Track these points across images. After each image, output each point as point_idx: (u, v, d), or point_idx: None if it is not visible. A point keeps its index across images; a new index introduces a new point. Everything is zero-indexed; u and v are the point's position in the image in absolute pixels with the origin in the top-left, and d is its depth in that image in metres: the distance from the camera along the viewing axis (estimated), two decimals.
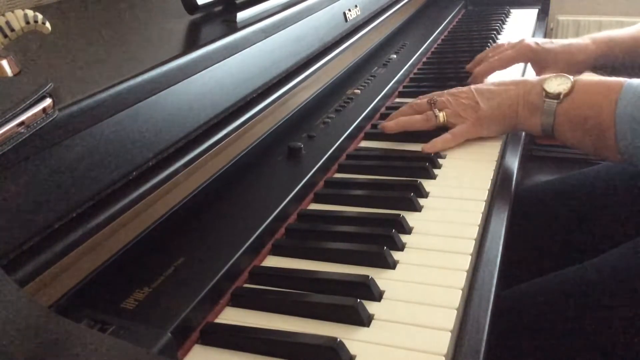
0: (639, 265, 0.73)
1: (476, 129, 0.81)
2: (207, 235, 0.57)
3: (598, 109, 0.70)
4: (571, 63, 0.98)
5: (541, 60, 1.00)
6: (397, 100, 1.01)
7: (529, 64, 1.05)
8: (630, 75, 1.01)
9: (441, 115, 0.82)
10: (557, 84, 0.74)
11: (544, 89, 0.75)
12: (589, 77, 0.75)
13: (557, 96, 0.74)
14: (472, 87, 0.84)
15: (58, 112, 0.44)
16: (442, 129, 0.82)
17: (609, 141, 0.70)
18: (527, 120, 0.77)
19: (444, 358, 0.45)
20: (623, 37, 1.00)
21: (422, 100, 0.85)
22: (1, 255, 0.39)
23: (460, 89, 0.85)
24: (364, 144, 0.85)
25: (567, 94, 0.73)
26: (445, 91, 0.86)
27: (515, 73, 1.07)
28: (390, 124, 0.84)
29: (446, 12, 1.51)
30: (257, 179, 0.68)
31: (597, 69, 1.03)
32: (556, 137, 0.76)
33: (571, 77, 0.74)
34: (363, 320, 0.49)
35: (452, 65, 1.14)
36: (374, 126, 0.89)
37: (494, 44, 1.08)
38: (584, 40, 1.01)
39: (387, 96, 0.97)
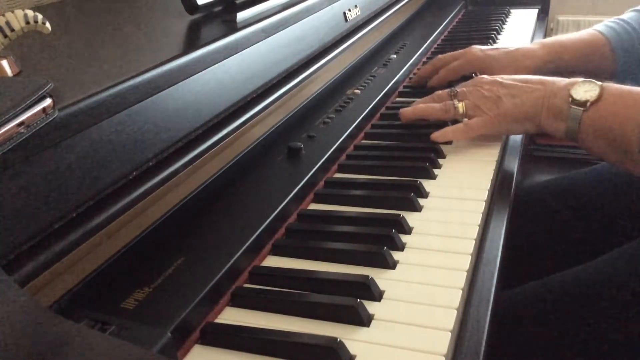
0: (638, 266, 0.73)
1: (494, 125, 0.78)
2: (207, 235, 0.57)
3: (623, 121, 0.69)
4: (518, 68, 0.95)
5: (487, 68, 0.97)
6: (397, 100, 1.01)
7: None
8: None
9: (460, 106, 0.79)
10: (585, 90, 0.72)
11: (570, 95, 0.73)
12: (617, 85, 0.73)
13: (583, 104, 0.71)
14: (498, 78, 0.81)
15: (58, 112, 0.44)
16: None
17: (632, 154, 0.68)
18: (550, 123, 0.75)
19: (444, 358, 0.45)
20: (573, 41, 0.99)
21: (443, 91, 0.83)
22: (1, 255, 0.39)
23: (483, 78, 0.82)
24: (364, 144, 0.85)
25: (593, 102, 0.71)
26: (470, 80, 0.84)
27: None
28: (408, 111, 0.83)
29: (446, 12, 1.51)
30: (257, 179, 0.68)
31: (546, 74, 1.01)
32: (579, 144, 0.74)
33: (599, 84, 0.72)
34: (363, 320, 0.49)
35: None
36: (374, 126, 0.89)
37: (437, 56, 1.05)
38: (534, 45, 1.00)
39: (387, 96, 0.97)
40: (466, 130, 0.78)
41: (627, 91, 0.71)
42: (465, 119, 0.79)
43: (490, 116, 0.78)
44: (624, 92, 0.71)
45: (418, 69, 1.15)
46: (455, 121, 0.81)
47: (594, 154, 0.75)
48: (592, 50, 0.99)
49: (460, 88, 0.82)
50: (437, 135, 0.78)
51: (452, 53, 1.02)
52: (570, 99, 0.73)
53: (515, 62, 0.97)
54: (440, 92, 0.84)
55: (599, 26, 1.01)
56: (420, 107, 0.83)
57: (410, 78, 1.10)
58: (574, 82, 0.74)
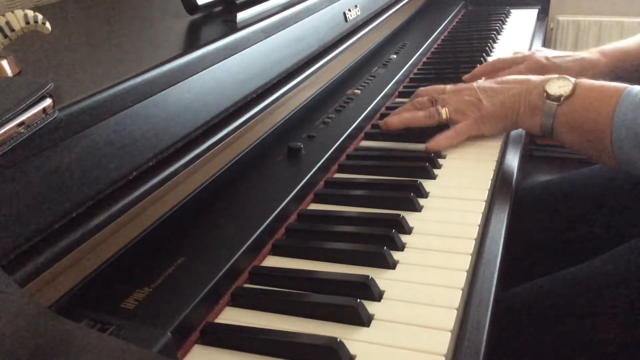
0: (638, 265, 0.73)
1: (478, 126, 0.81)
2: (207, 235, 0.57)
3: (596, 114, 0.70)
4: (585, 77, 0.94)
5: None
6: (397, 100, 1.01)
7: None
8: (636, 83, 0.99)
9: (444, 112, 0.81)
10: (559, 85, 0.74)
11: (545, 90, 0.75)
12: (590, 80, 0.74)
13: (557, 98, 0.74)
14: (474, 84, 0.84)
15: (58, 112, 0.44)
16: (445, 125, 0.82)
17: (605, 146, 0.70)
18: (527, 119, 0.78)
19: (444, 358, 0.45)
20: (632, 47, 0.98)
21: (424, 98, 0.85)
22: (1, 255, 0.39)
23: (462, 85, 0.85)
24: (364, 144, 0.85)
25: (567, 97, 0.73)
26: (447, 87, 0.86)
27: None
28: (394, 120, 0.84)
29: (446, 12, 1.51)
30: (257, 179, 0.68)
31: (609, 80, 1.00)
32: (555, 138, 0.76)
33: (572, 80, 0.74)
34: (363, 320, 0.49)
35: (452, 66, 1.14)
36: (374, 126, 0.89)
37: (500, 57, 1.02)
38: (593, 54, 0.97)
39: (387, 96, 0.97)
40: (456, 136, 0.81)
41: (600, 85, 0.73)
42: (454, 126, 0.81)
43: (473, 118, 0.81)
44: (597, 87, 0.73)
45: (418, 69, 1.15)
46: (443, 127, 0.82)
47: (570, 148, 0.76)
48: None
49: (440, 95, 0.84)
50: (431, 145, 0.80)
51: (512, 57, 1.00)
52: (545, 94, 0.75)
53: (583, 71, 0.95)
54: (420, 99, 0.85)
55: None
56: (404, 117, 0.84)
57: (409, 79, 1.10)
58: (548, 78, 0.77)
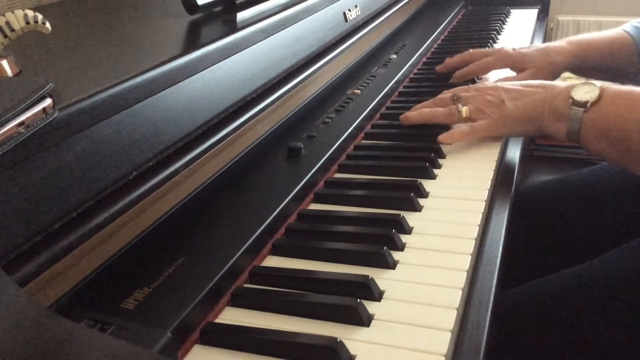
0: (638, 265, 0.73)
1: (498, 128, 0.79)
2: (207, 235, 0.57)
3: (624, 120, 0.69)
4: (549, 64, 0.98)
5: (519, 64, 1.00)
6: (398, 99, 1.01)
7: None
8: (606, 77, 1.02)
9: (464, 110, 0.81)
10: (585, 92, 0.73)
11: (571, 96, 0.74)
12: (617, 86, 0.74)
13: (584, 104, 0.72)
14: (499, 83, 0.83)
15: (58, 112, 0.44)
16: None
17: (633, 153, 0.69)
18: (552, 125, 0.76)
19: (444, 358, 0.45)
20: (600, 39, 1.01)
21: (446, 95, 0.85)
22: (1, 255, 0.39)
23: (486, 84, 0.85)
24: (364, 143, 0.85)
25: (594, 103, 0.72)
26: (471, 85, 0.86)
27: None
28: (414, 114, 0.84)
29: (446, 12, 1.51)
30: (257, 179, 0.68)
31: (572, 70, 1.04)
32: (581, 145, 0.75)
33: (598, 85, 0.73)
34: (363, 320, 0.49)
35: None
36: (374, 126, 0.89)
37: (470, 50, 1.07)
38: (559, 42, 1.02)
39: (387, 96, 0.97)
40: (471, 132, 0.80)
41: (627, 91, 0.72)
42: (472, 123, 0.81)
43: (494, 119, 0.79)
44: (624, 93, 0.72)
45: (418, 69, 1.15)
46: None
47: (595, 155, 0.75)
48: (617, 49, 1.00)
49: (462, 93, 0.83)
50: (444, 137, 0.79)
51: (483, 50, 1.06)
52: (571, 101, 0.74)
53: (548, 57, 0.99)
54: (442, 96, 0.85)
55: (626, 26, 1.03)
56: (425, 112, 0.84)
57: (409, 79, 1.10)
58: (574, 84, 0.75)
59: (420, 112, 0.84)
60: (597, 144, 0.73)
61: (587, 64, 1.00)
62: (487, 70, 1.03)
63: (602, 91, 0.72)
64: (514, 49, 1.02)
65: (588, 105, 0.72)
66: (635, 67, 1.01)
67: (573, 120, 0.73)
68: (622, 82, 0.99)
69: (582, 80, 0.76)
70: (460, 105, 0.81)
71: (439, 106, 0.84)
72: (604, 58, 1.00)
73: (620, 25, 1.04)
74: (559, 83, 0.79)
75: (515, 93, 0.80)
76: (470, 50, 1.06)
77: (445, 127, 0.82)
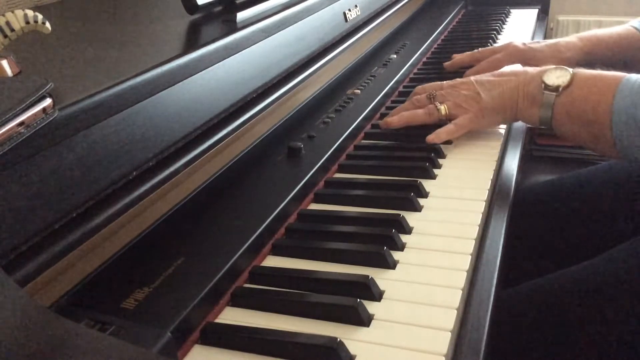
0: (638, 265, 0.73)
1: (478, 120, 0.81)
2: (207, 235, 0.57)
3: (595, 103, 0.70)
4: (560, 60, 0.99)
5: (529, 59, 1.01)
6: (398, 99, 1.01)
7: None
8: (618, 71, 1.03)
9: (442, 108, 0.82)
10: (556, 76, 0.74)
11: (543, 81, 0.75)
12: (588, 70, 0.75)
13: (555, 89, 0.74)
14: (472, 78, 0.84)
15: (58, 112, 0.44)
16: (445, 122, 0.82)
17: (605, 136, 0.70)
18: (526, 111, 0.78)
19: (444, 358, 0.45)
20: (609, 35, 1.02)
21: (422, 95, 0.86)
22: (1, 255, 0.39)
23: (459, 80, 0.86)
24: (364, 143, 0.85)
25: (565, 87, 0.73)
26: (444, 82, 0.86)
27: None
28: (394, 119, 0.84)
29: (446, 12, 1.51)
30: (257, 179, 0.68)
31: (583, 66, 1.04)
32: (554, 129, 0.76)
33: (570, 70, 0.74)
34: (363, 320, 0.49)
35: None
36: (374, 126, 0.89)
37: (480, 48, 1.09)
38: (570, 38, 1.03)
39: (387, 96, 0.97)
40: (456, 130, 0.81)
41: (598, 74, 0.73)
42: (454, 121, 0.81)
43: (473, 112, 0.81)
44: (595, 76, 0.73)
45: (418, 69, 1.15)
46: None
47: (568, 139, 0.76)
48: (626, 44, 1.01)
49: (437, 91, 0.84)
50: (432, 138, 0.80)
51: (491, 47, 1.08)
52: (543, 85, 0.75)
53: (559, 53, 1.00)
54: (418, 97, 0.86)
55: (634, 22, 1.04)
56: (405, 115, 0.85)
57: (409, 79, 1.10)
58: (546, 69, 0.77)
59: (400, 116, 0.84)
60: (569, 127, 0.74)
61: (597, 60, 1.01)
62: (498, 67, 1.03)
63: (573, 75, 0.73)
64: (524, 44, 1.03)
65: (560, 89, 0.73)
66: None
67: (545, 105, 0.74)
68: None
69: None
70: (438, 104, 0.82)
71: (417, 107, 0.85)
72: (613, 54, 1.01)
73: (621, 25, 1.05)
74: (531, 69, 0.81)
75: (489, 84, 0.81)
76: (479, 49, 1.08)
77: (429, 127, 0.82)
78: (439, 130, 0.80)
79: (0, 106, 0.40)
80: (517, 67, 0.84)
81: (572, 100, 0.73)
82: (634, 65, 1.02)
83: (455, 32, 1.43)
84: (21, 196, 0.41)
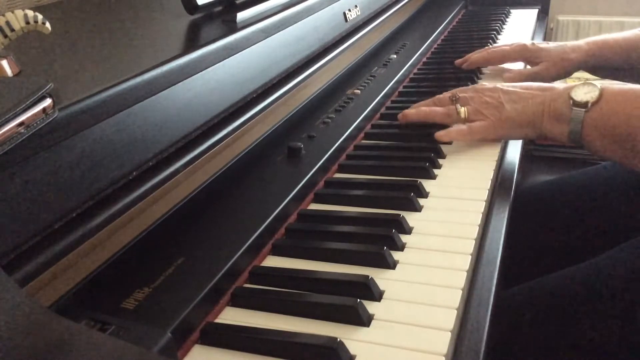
0: (638, 265, 0.73)
1: (496, 130, 0.79)
2: (207, 235, 0.57)
3: (627, 118, 0.69)
4: (564, 60, 1.01)
5: (535, 58, 1.03)
6: (398, 99, 1.01)
7: None
8: (622, 77, 1.04)
9: (462, 111, 0.81)
10: (585, 92, 0.73)
11: (571, 97, 0.73)
12: (617, 85, 0.74)
13: (584, 105, 0.72)
14: (499, 85, 0.83)
15: (58, 112, 0.44)
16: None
17: (638, 149, 0.69)
18: (553, 128, 0.76)
19: (444, 358, 0.45)
20: (616, 39, 1.02)
21: (445, 95, 0.85)
22: (1, 255, 0.39)
23: (485, 85, 0.84)
24: (364, 143, 0.85)
25: (595, 103, 0.72)
26: (470, 86, 0.86)
27: (517, 65, 1.11)
28: (412, 112, 0.84)
29: (446, 12, 1.51)
30: (257, 179, 0.68)
31: (589, 69, 1.06)
32: (585, 146, 0.74)
33: (598, 85, 0.72)
34: (363, 320, 0.49)
35: (452, 66, 1.14)
36: (374, 126, 0.89)
37: (492, 46, 1.13)
38: (579, 42, 1.04)
39: (387, 96, 0.97)
40: (469, 133, 0.80)
41: (629, 89, 0.72)
42: (470, 124, 0.81)
43: (492, 121, 0.79)
44: (626, 91, 0.72)
45: (418, 69, 1.15)
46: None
47: (599, 155, 0.75)
48: (633, 48, 1.01)
49: (461, 93, 0.83)
50: (441, 134, 0.79)
51: (502, 45, 1.11)
52: (571, 102, 0.73)
53: (564, 53, 1.01)
54: (441, 96, 0.85)
55: None
56: (423, 110, 0.84)
57: (409, 79, 1.10)
58: (573, 85, 0.75)
59: (418, 111, 0.84)
60: (600, 143, 0.72)
61: (604, 63, 1.02)
62: (502, 59, 1.06)
63: (602, 90, 0.72)
64: (532, 43, 1.05)
65: (589, 105, 0.72)
66: None
67: (575, 121, 0.73)
68: (638, 82, 1.00)
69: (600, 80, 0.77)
70: (458, 106, 0.81)
71: (437, 106, 0.84)
72: (620, 58, 1.01)
73: (620, 25, 1.06)
74: (558, 85, 0.79)
75: (515, 95, 0.80)
76: (493, 46, 1.11)
77: (445, 127, 0.82)
78: (450, 129, 0.80)
79: (0, 106, 0.40)
80: (542, 84, 0.82)
81: (602, 115, 0.71)
82: (638, 69, 1.02)
83: (455, 32, 1.43)
84: (21, 196, 0.41)
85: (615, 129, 0.70)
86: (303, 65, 0.84)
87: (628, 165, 0.74)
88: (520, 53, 1.05)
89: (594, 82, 0.74)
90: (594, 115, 0.72)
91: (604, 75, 1.07)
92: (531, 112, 0.77)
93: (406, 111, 0.85)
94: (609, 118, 0.71)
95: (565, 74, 1.03)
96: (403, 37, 1.29)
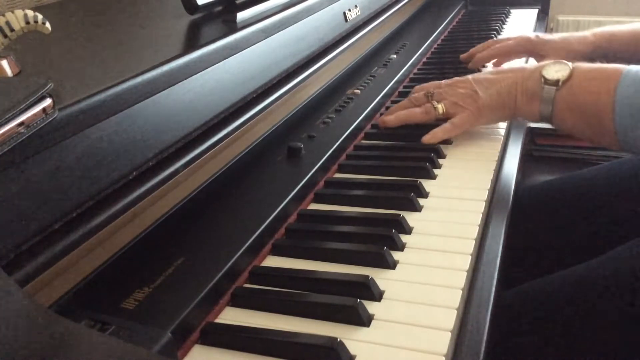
0: (638, 266, 0.73)
1: (476, 118, 0.81)
2: (207, 235, 0.57)
3: (597, 96, 0.70)
4: (569, 52, 1.00)
5: (540, 50, 1.02)
6: (398, 99, 1.01)
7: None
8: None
9: (440, 107, 0.82)
10: (556, 70, 0.74)
11: (542, 76, 0.75)
12: (587, 63, 0.74)
13: (555, 83, 0.73)
14: (470, 76, 0.84)
15: (58, 112, 0.44)
16: (443, 120, 0.82)
17: (607, 128, 0.70)
18: (525, 107, 0.77)
19: (444, 358, 0.45)
20: (623, 32, 1.02)
21: (419, 93, 0.86)
22: (1, 255, 0.39)
23: (457, 78, 0.85)
24: (364, 143, 0.85)
25: (565, 81, 0.73)
26: (443, 81, 0.86)
27: (519, 62, 1.10)
28: (390, 118, 0.84)
29: (446, 12, 1.51)
30: (257, 179, 0.68)
31: (593, 60, 1.05)
32: (555, 124, 0.76)
33: (570, 64, 0.74)
34: (363, 320, 0.49)
35: (452, 66, 1.14)
36: (374, 126, 0.89)
37: (495, 39, 1.12)
38: (584, 33, 1.03)
39: (387, 96, 0.97)
40: (452, 128, 0.81)
41: (598, 67, 0.73)
42: (451, 119, 0.82)
43: (470, 110, 0.80)
44: (595, 68, 0.73)
45: (418, 69, 1.15)
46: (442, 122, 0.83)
47: (570, 133, 0.76)
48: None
49: (435, 89, 0.84)
50: (428, 138, 0.80)
51: (506, 38, 1.10)
52: (542, 80, 0.75)
53: (569, 45, 1.01)
54: (416, 95, 0.86)
55: None
56: (402, 114, 0.85)
57: (409, 79, 1.10)
58: (544, 64, 0.76)
59: (397, 115, 0.85)
60: (571, 122, 0.74)
61: (610, 55, 1.01)
62: (508, 54, 1.05)
63: (573, 69, 0.73)
64: (536, 36, 1.04)
65: (560, 83, 0.73)
66: None
67: (546, 99, 0.74)
68: None
69: None
70: (435, 103, 0.82)
71: (414, 106, 0.85)
72: (626, 49, 1.01)
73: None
74: (529, 65, 0.81)
75: (486, 82, 0.81)
76: (494, 40, 1.10)
77: (427, 127, 0.82)
78: (435, 130, 0.80)
79: (0, 106, 0.40)
80: (516, 64, 0.84)
81: (573, 93, 0.72)
82: None
83: (455, 32, 1.43)
84: (21, 196, 0.41)
85: (585, 106, 0.71)
86: (303, 65, 0.84)
87: (597, 143, 0.76)
88: (525, 46, 1.04)
89: (564, 60, 0.75)
90: (565, 93, 0.73)
91: None
92: (505, 94, 0.79)
93: (384, 117, 0.85)
94: (579, 96, 0.72)
95: None
96: (403, 37, 1.29)
